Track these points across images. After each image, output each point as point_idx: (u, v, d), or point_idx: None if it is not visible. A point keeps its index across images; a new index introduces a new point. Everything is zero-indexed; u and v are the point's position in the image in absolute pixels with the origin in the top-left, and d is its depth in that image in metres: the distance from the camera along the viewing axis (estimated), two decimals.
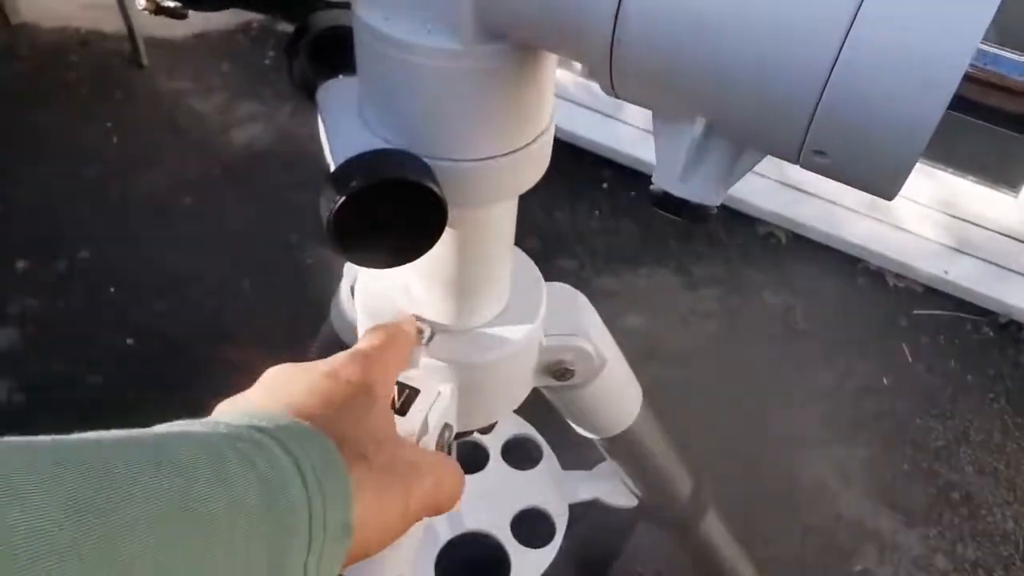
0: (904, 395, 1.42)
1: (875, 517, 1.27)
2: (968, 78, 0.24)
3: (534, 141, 0.38)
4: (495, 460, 0.84)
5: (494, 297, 0.48)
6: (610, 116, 1.76)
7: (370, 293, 0.49)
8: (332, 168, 0.35)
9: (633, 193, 1.70)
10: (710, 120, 0.30)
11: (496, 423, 0.54)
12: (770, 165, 0.31)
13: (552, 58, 0.36)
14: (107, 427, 0.28)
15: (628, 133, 1.74)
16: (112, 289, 1.47)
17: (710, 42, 0.27)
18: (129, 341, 1.40)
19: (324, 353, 0.39)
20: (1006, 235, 1.59)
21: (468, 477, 0.39)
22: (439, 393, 0.42)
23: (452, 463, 0.39)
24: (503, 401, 0.52)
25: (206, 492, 0.25)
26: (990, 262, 1.59)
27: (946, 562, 1.23)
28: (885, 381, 1.44)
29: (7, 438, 0.23)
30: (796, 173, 1.63)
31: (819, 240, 1.64)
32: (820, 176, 0.29)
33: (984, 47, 0.24)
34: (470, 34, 0.32)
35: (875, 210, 1.64)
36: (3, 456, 0.22)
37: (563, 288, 0.55)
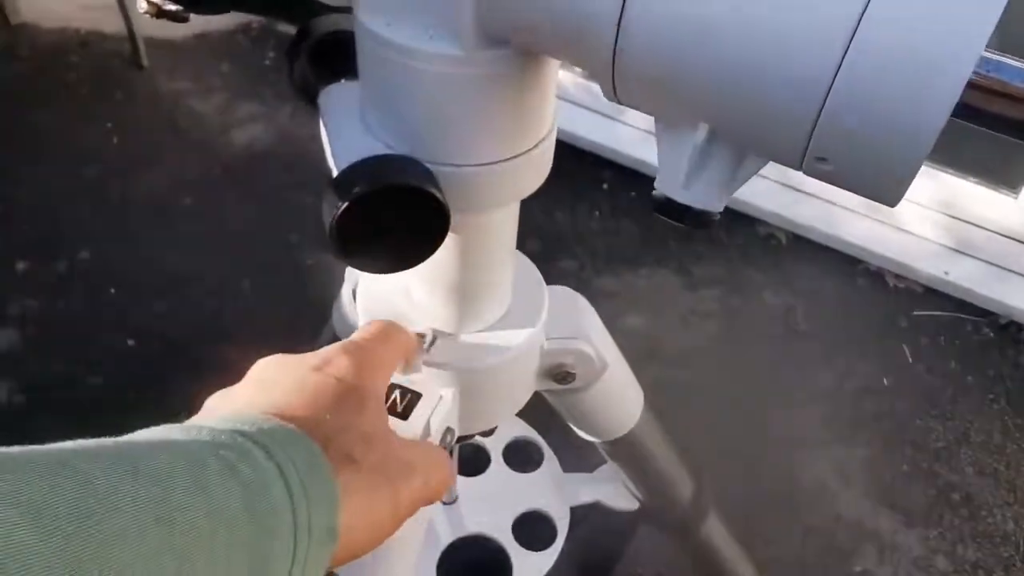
0: (904, 396, 1.42)
1: (875, 518, 1.27)
2: (971, 85, 0.24)
3: (536, 146, 0.38)
4: (497, 463, 0.84)
5: (496, 301, 0.48)
6: (610, 117, 1.75)
7: (372, 296, 0.49)
8: (334, 173, 0.35)
9: (633, 194, 1.70)
10: (713, 126, 0.30)
11: (498, 426, 0.54)
12: (771, 166, 0.32)
13: (554, 64, 0.36)
14: (107, 427, 0.28)
15: (628, 134, 1.73)
16: (112, 289, 1.47)
17: (712, 48, 0.27)
18: (129, 342, 1.39)
19: None
20: (1006, 236, 1.59)
21: (470, 480, 0.39)
22: (441, 397, 0.42)
23: (440, 453, 0.39)
24: (505, 405, 0.52)
25: (185, 501, 0.25)
26: (990, 263, 1.58)
27: (946, 563, 1.22)
28: (885, 382, 1.43)
29: None
30: (797, 174, 1.62)
31: (819, 241, 1.63)
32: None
33: (987, 54, 0.24)
34: (472, 40, 0.32)
35: (875, 211, 1.64)
36: None
37: (564, 291, 0.55)
